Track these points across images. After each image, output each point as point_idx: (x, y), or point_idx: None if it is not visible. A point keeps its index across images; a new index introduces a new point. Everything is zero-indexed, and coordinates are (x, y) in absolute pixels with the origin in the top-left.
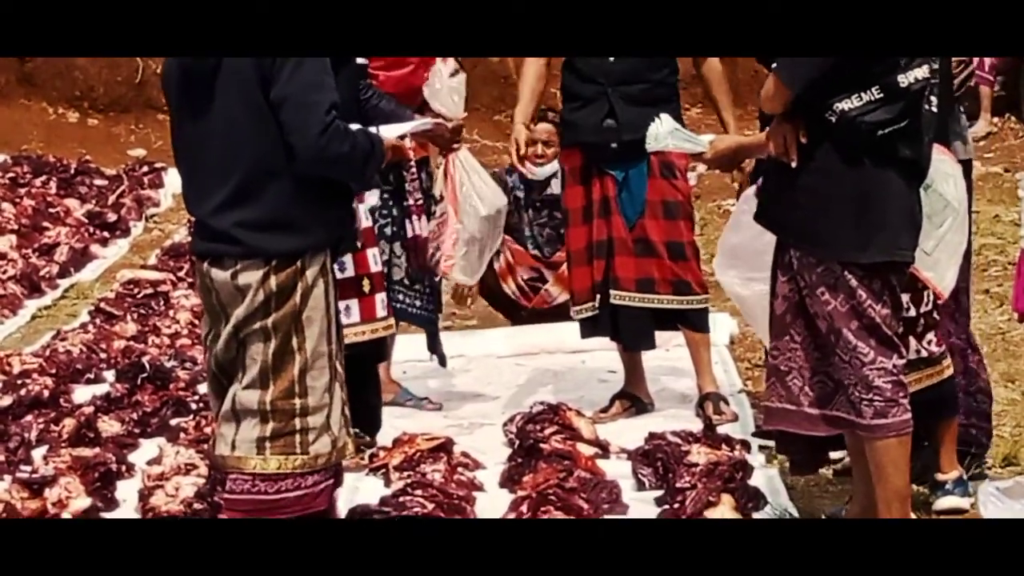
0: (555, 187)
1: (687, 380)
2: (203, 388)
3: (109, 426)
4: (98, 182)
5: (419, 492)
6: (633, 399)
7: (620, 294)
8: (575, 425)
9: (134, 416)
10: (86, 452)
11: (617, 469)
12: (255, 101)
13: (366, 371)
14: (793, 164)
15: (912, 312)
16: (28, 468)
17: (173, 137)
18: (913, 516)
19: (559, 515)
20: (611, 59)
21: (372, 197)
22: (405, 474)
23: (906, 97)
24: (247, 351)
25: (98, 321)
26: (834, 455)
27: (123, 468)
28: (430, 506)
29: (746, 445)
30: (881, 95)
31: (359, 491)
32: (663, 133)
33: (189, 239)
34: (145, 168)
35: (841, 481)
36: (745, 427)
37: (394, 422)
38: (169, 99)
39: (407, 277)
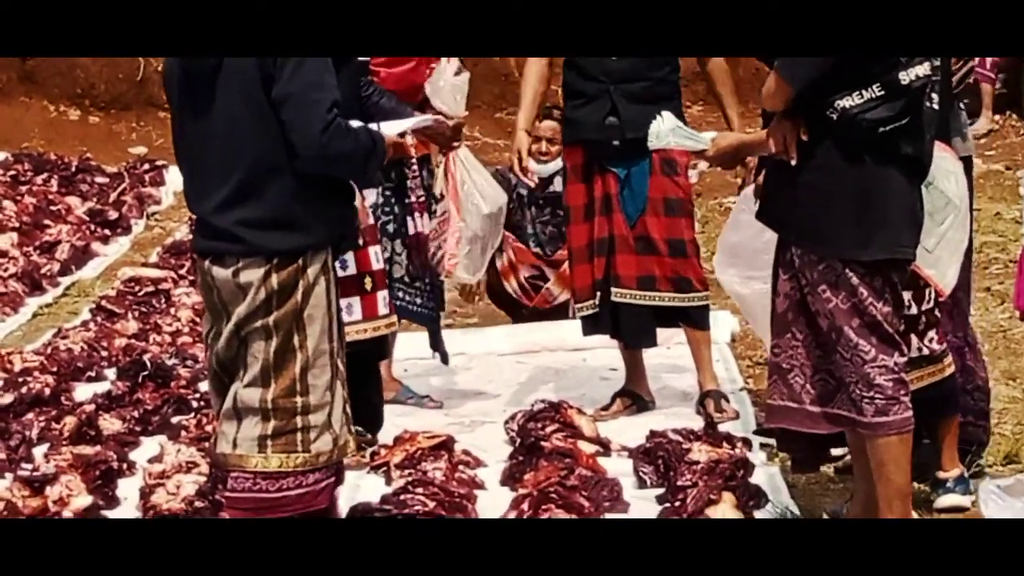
0: (558, 185)
1: (688, 378)
2: (204, 386)
3: (110, 424)
4: (99, 180)
5: (420, 490)
6: (634, 397)
7: (621, 292)
8: (576, 423)
9: (135, 414)
10: (87, 450)
11: (618, 467)
12: (257, 99)
13: (368, 369)
14: (793, 162)
15: (913, 310)
16: (29, 466)
17: (174, 135)
18: (914, 514)
19: (560, 513)
20: (613, 57)
21: (373, 194)
22: (406, 472)
23: (907, 94)
24: (248, 349)
25: (99, 319)
26: (835, 452)
27: (124, 466)
28: (431, 504)
29: (747, 443)
30: (882, 92)
31: (360, 489)
32: (665, 131)
33: (190, 237)
34: (146, 166)
35: (842, 479)
36: (746, 425)
37: (395, 420)
38: (171, 98)
39: (408, 275)
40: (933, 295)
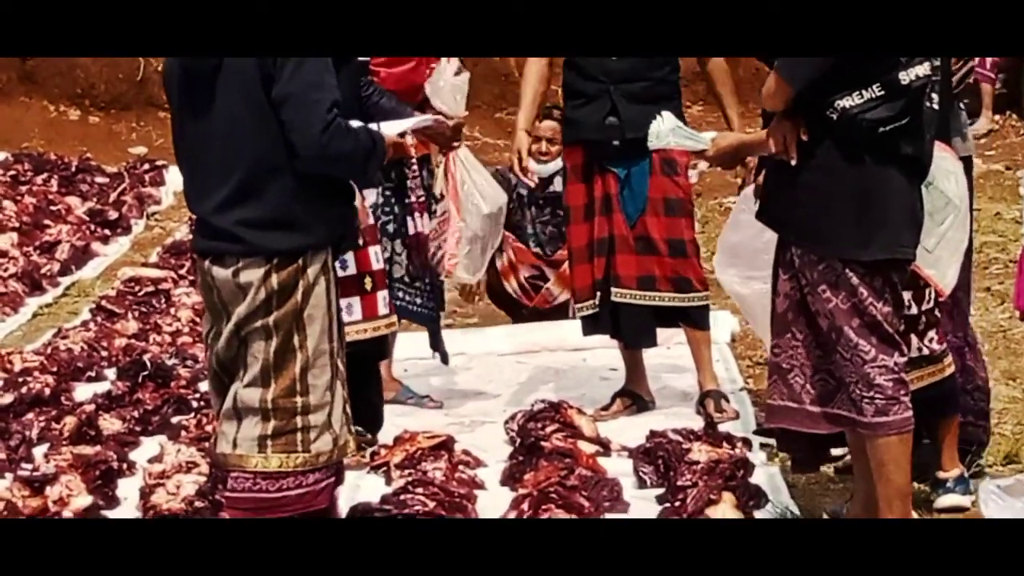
0: (558, 185)
1: (688, 378)
2: (204, 386)
3: (110, 424)
4: (99, 180)
5: (420, 490)
6: (634, 397)
7: (621, 292)
8: (576, 423)
9: (135, 414)
10: (87, 450)
11: (618, 467)
12: (257, 99)
13: (368, 369)
14: (793, 162)
15: (914, 310)
16: (29, 466)
17: (174, 135)
18: (914, 514)
19: (560, 513)
20: (613, 57)
21: (373, 194)
22: (406, 472)
23: (907, 94)
24: (248, 349)
25: (99, 319)
26: (835, 452)
27: (124, 466)
28: (431, 504)
29: (747, 443)
30: (882, 92)
31: (360, 489)
32: (664, 131)
33: (190, 237)
34: (146, 166)
35: (842, 479)
36: (746, 425)
37: (395, 420)
38: (171, 98)
39: (407, 275)
40: (933, 295)
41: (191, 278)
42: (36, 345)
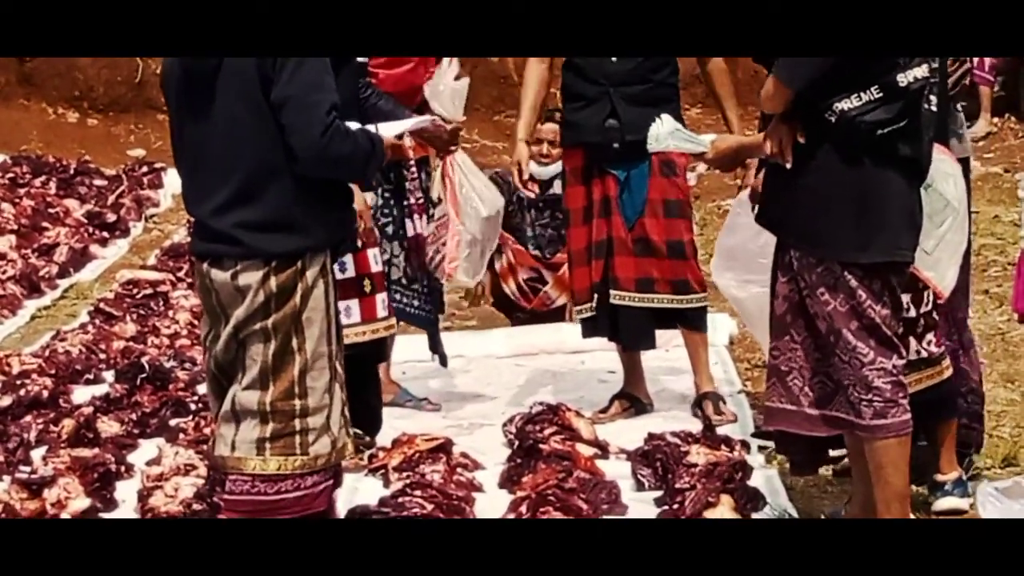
0: (557, 188)
1: (686, 380)
2: (202, 388)
3: (108, 427)
4: (97, 182)
5: (418, 493)
6: (632, 399)
7: (620, 294)
8: (574, 426)
9: (133, 417)
10: (85, 452)
11: (616, 469)
12: (255, 101)
13: (366, 372)
14: (788, 165)
15: (912, 313)
16: (27, 469)
17: (173, 137)
18: (912, 517)
19: (558, 516)
20: (613, 60)
21: (370, 197)
22: (404, 475)
23: (905, 96)
24: (247, 352)
25: (97, 321)
26: (835, 453)
27: (122, 469)
28: (429, 507)
29: (745, 445)
30: (880, 94)
31: (358, 492)
32: (664, 133)
33: (188, 239)
34: (144, 168)
35: (841, 481)
36: (744, 427)
37: (393, 423)
38: (169, 99)
39: (405, 277)
40: (931, 298)
41: (189, 281)
42: (34, 347)
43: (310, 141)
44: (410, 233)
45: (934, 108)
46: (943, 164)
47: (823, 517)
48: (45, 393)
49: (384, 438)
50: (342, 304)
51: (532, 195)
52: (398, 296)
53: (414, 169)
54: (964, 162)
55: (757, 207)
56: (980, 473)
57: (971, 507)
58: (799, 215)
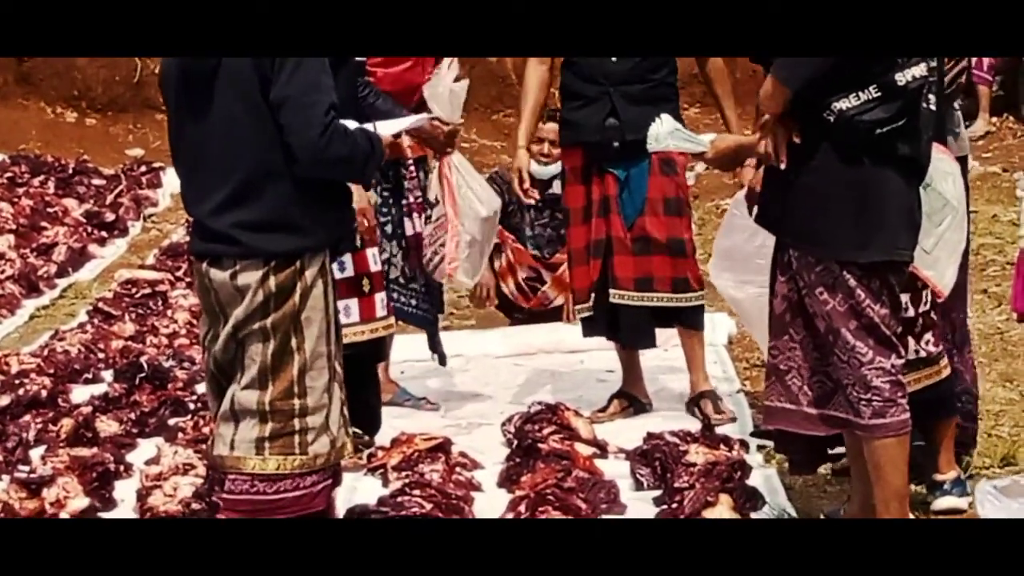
0: (557, 188)
1: (685, 380)
2: (201, 388)
3: (107, 426)
4: (96, 182)
5: (417, 492)
6: (631, 399)
7: (619, 293)
8: (573, 425)
9: (132, 416)
10: (84, 452)
11: (615, 469)
12: (254, 101)
13: (365, 371)
14: (782, 166)
15: (911, 312)
16: (26, 468)
17: (171, 137)
18: (911, 516)
19: (557, 515)
20: (613, 60)
21: (372, 195)
22: (403, 474)
23: (904, 95)
24: (246, 351)
25: (96, 321)
26: (835, 451)
27: (121, 468)
28: (428, 506)
29: (744, 445)
30: (879, 94)
31: (357, 491)
32: (663, 133)
33: (187, 239)
34: (143, 168)
35: (839, 481)
36: (743, 427)
37: (392, 422)
38: (167, 99)
39: (403, 276)
40: (930, 297)
41: (188, 280)
42: (33, 347)
43: (309, 141)
44: (409, 232)
45: (933, 107)
46: (942, 163)
47: (822, 516)
48: (44, 392)
49: (383, 437)
50: (341, 303)
51: (532, 200)
52: (396, 295)
53: (413, 168)
54: (962, 161)
55: (757, 207)
56: (978, 472)
57: (970, 506)
58: (798, 214)
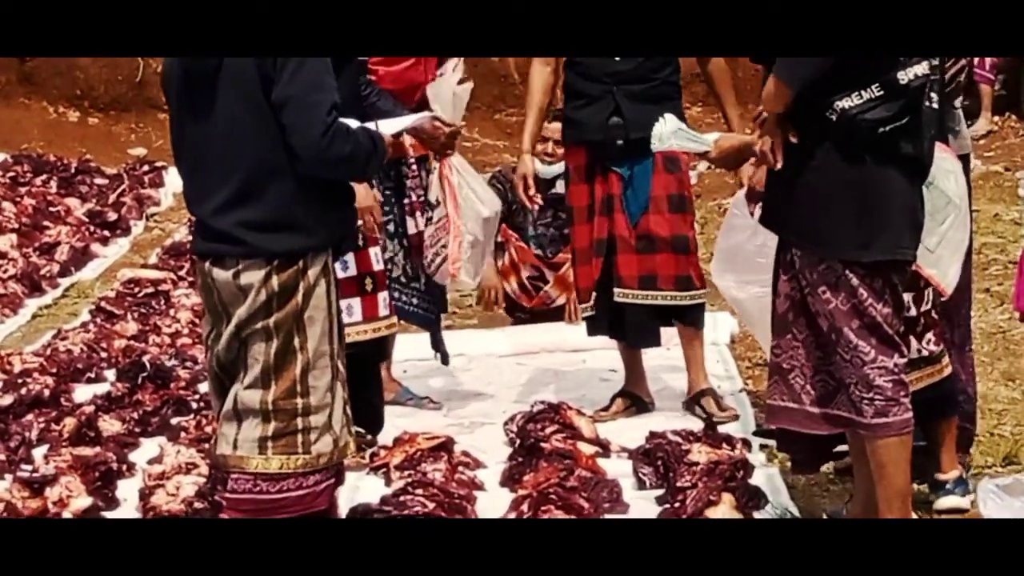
0: (560, 187)
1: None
2: (204, 387)
3: (110, 425)
4: (99, 181)
5: (420, 491)
6: (634, 398)
7: (623, 292)
8: (576, 424)
9: (135, 415)
10: (87, 451)
11: (618, 468)
12: (256, 101)
13: (368, 370)
14: (778, 165)
15: (912, 311)
16: (29, 467)
17: (173, 137)
18: (914, 516)
19: (560, 514)
20: (616, 59)
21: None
22: (406, 473)
23: (906, 94)
24: (249, 351)
25: (99, 320)
26: (838, 449)
27: (124, 467)
28: (431, 505)
29: (747, 444)
30: (881, 92)
31: (360, 490)
32: (667, 133)
33: (190, 238)
34: (145, 167)
35: (842, 480)
36: (746, 426)
37: (395, 421)
38: (169, 99)
39: (404, 275)
40: (931, 296)
41: (191, 279)
42: (36, 346)
43: (311, 141)
44: (411, 231)
45: (935, 105)
46: (944, 161)
47: (824, 516)
48: (46, 392)
49: (385, 437)
50: (344, 303)
51: (538, 206)
52: (397, 294)
53: (415, 167)
54: (964, 159)
55: (760, 207)
56: (981, 471)
57: (972, 506)
58: (801, 214)
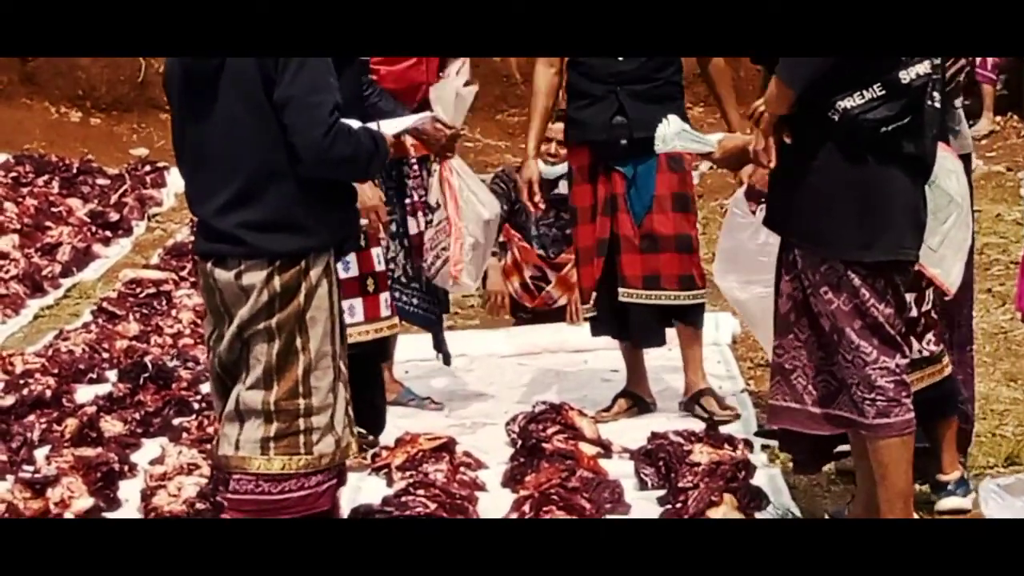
0: (563, 188)
1: None
2: (205, 388)
3: (111, 426)
4: (100, 181)
5: (421, 492)
6: (635, 398)
7: (628, 292)
8: (577, 425)
9: (136, 416)
10: (88, 452)
11: (619, 469)
12: (258, 101)
13: (370, 370)
14: (770, 165)
15: (913, 312)
16: (30, 468)
17: (174, 137)
18: (915, 516)
19: (561, 515)
20: (619, 59)
21: None
22: (407, 474)
23: (908, 94)
24: (251, 351)
25: (100, 321)
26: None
27: (125, 468)
28: (432, 506)
29: (749, 445)
30: (883, 92)
31: (361, 491)
32: (671, 134)
33: (192, 239)
34: (147, 167)
35: (844, 480)
36: (747, 426)
37: (396, 422)
38: (171, 99)
39: (405, 275)
40: (932, 297)
41: (192, 280)
42: (37, 347)
43: (313, 141)
44: (412, 231)
45: (937, 105)
46: (945, 160)
47: (826, 516)
48: (48, 392)
49: (387, 437)
50: (346, 303)
51: (540, 210)
52: (398, 294)
53: (416, 167)
54: (965, 159)
55: (764, 209)
56: (983, 472)
57: (974, 506)
58: (803, 214)
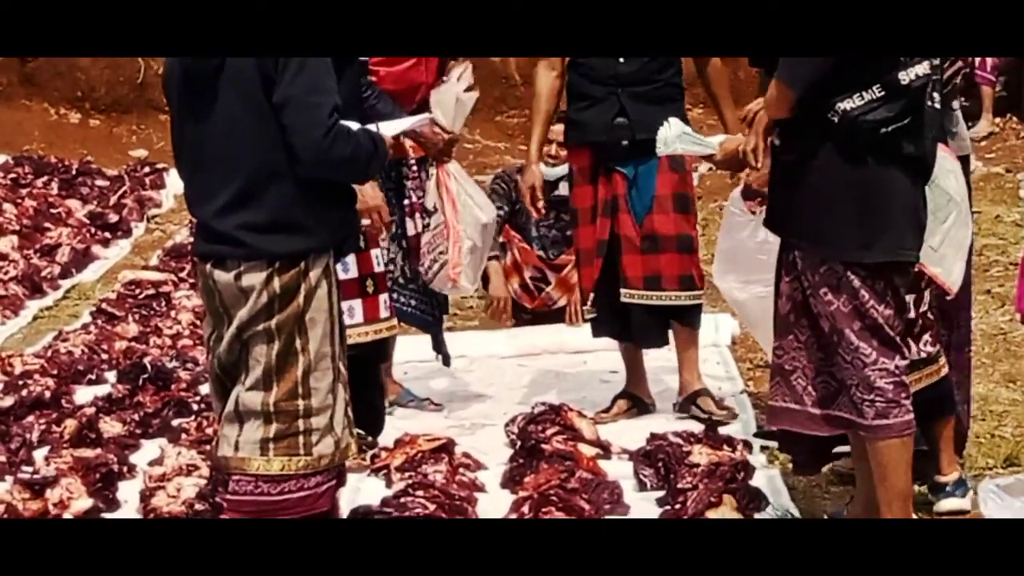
0: (563, 189)
1: None
2: (205, 389)
3: (110, 427)
4: (100, 183)
5: (420, 493)
6: (635, 399)
7: (629, 292)
8: (577, 426)
9: (135, 417)
10: (87, 453)
11: (619, 470)
12: (257, 102)
13: (369, 372)
14: (759, 167)
15: (911, 313)
16: (29, 469)
17: (174, 138)
18: (914, 517)
19: (560, 516)
20: (620, 60)
21: None
22: (407, 475)
23: (907, 94)
24: (250, 353)
25: (100, 322)
26: (839, 449)
27: (124, 469)
28: (431, 507)
29: (748, 446)
30: (882, 93)
31: (361, 492)
32: (672, 137)
33: (191, 240)
34: (147, 169)
35: (843, 481)
36: (747, 427)
37: (396, 423)
38: (170, 100)
39: (403, 276)
40: (929, 297)
41: (192, 281)
42: (36, 348)
43: (312, 143)
44: (410, 232)
45: (937, 105)
46: (943, 161)
47: (825, 517)
48: (47, 393)
49: (386, 438)
50: (345, 304)
51: (541, 214)
52: (396, 296)
53: (415, 168)
54: (964, 160)
55: (765, 210)
56: (982, 473)
57: (973, 507)
58: (803, 215)
